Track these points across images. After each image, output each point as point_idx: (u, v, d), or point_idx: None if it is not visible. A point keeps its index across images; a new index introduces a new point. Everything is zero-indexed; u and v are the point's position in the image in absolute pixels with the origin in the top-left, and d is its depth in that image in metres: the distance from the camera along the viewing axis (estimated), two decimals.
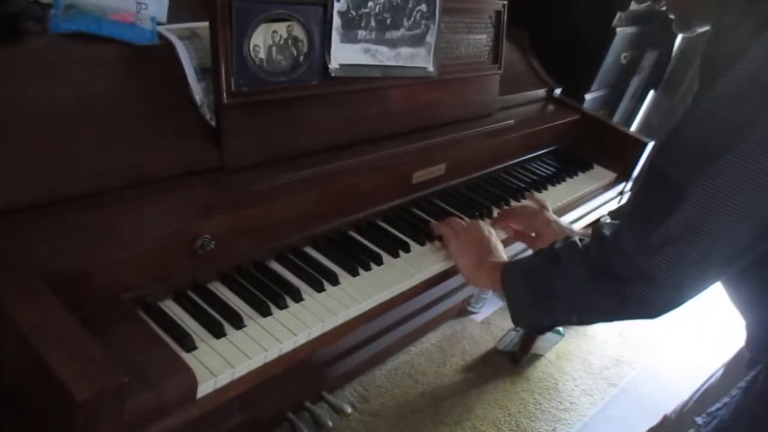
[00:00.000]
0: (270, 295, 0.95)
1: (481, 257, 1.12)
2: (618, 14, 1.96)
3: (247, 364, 0.83)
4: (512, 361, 2.21)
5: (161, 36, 1.04)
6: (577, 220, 1.62)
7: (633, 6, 1.96)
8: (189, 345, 0.83)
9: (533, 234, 1.31)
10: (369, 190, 1.19)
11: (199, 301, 0.91)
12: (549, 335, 2.25)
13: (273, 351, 0.87)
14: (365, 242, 1.16)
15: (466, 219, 1.25)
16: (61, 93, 0.91)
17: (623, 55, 2.14)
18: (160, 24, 1.07)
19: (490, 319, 2.40)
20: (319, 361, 1.58)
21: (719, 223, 0.76)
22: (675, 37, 2.45)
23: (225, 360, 0.82)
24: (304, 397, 1.73)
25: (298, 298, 0.97)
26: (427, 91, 1.37)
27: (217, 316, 0.89)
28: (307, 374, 1.63)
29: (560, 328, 2.28)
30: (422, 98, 1.36)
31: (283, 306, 0.94)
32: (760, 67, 0.71)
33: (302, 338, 0.91)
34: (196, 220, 0.91)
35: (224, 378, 0.81)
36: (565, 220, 1.53)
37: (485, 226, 1.20)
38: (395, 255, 1.14)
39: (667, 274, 0.81)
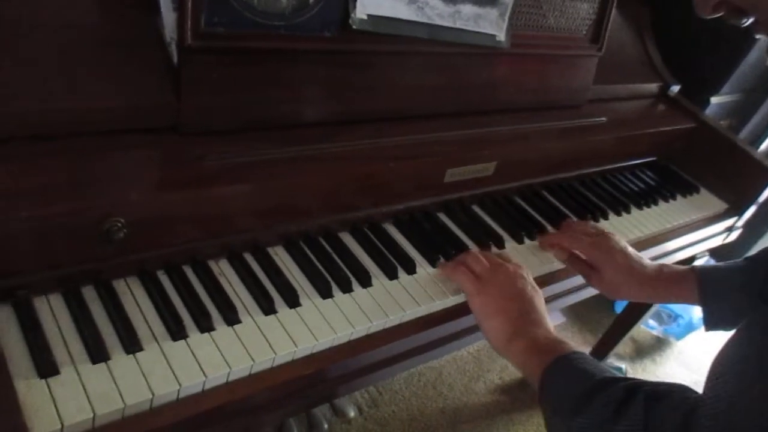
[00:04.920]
0: (196, 312, 0.72)
1: (516, 323, 0.80)
2: None
3: (118, 409, 0.61)
4: None
5: None
6: (663, 256, 1.28)
7: None
8: (46, 367, 0.61)
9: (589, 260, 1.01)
10: (379, 183, 0.92)
11: (92, 306, 0.69)
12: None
13: (164, 394, 0.64)
14: (357, 254, 0.89)
15: (494, 254, 0.92)
16: None
17: None
18: None
19: None
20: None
21: None
22: None
23: (87, 398, 0.60)
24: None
25: (207, 327, 0.72)
26: (491, 65, 1.06)
27: (106, 332, 0.66)
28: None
29: (622, 366, 1.94)
30: (481, 74, 1.05)
31: (182, 337, 0.69)
32: None
33: (215, 380, 0.67)
34: (105, 194, 0.67)
35: (76, 427, 0.58)
36: (645, 255, 1.21)
37: (521, 271, 0.87)
38: (392, 276, 0.88)
39: None
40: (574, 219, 1.14)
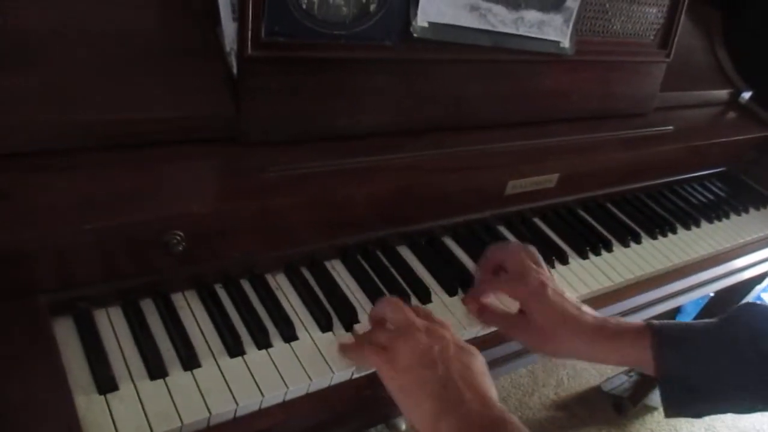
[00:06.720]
0: (254, 328, 0.71)
1: (441, 398, 0.61)
2: None
3: (175, 428, 0.59)
4: (616, 408, 1.84)
5: None
6: (732, 274, 1.21)
7: None
8: (106, 383, 0.60)
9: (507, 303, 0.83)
10: (439, 195, 0.89)
11: (150, 319, 0.68)
12: None
13: (221, 413, 0.62)
14: (416, 269, 0.87)
15: (418, 308, 0.75)
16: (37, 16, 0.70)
17: None
18: None
19: None
20: None
21: None
22: None
23: (146, 416, 0.59)
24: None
25: (265, 343, 0.70)
26: (555, 73, 1.02)
27: (164, 347, 0.65)
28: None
29: None
30: (545, 83, 1.02)
31: (240, 353, 0.68)
32: None
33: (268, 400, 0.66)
34: (164, 206, 0.66)
35: None
36: (713, 273, 1.15)
37: (441, 330, 0.67)
38: (452, 292, 0.85)
39: None
40: (641, 233, 1.09)
